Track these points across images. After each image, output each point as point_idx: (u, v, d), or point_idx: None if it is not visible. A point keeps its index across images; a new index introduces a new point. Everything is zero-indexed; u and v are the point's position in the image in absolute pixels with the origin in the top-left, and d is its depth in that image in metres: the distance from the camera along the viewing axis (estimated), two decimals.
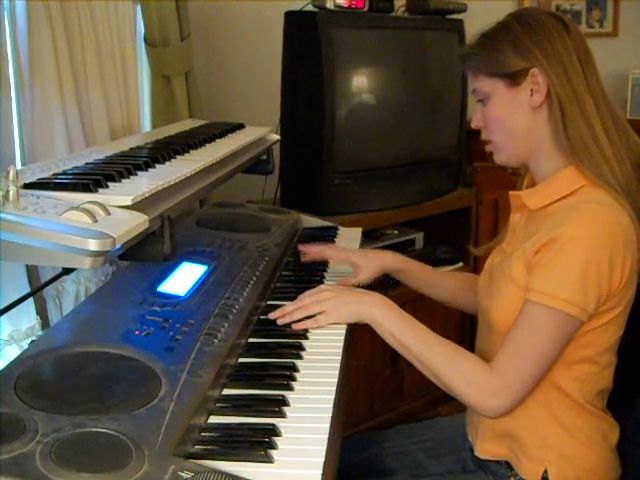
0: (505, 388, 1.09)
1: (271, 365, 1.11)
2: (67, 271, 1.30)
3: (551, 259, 1.07)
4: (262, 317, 1.28)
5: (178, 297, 1.19)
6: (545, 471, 1.16)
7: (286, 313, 1.24)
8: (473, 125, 1.24)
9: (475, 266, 2.61)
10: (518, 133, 1.18)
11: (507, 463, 1.21)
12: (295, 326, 1.22)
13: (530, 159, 1.20)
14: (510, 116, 1.18)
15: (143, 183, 1.07)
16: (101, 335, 1.04)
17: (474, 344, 1.31)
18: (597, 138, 1.12)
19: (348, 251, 1.52)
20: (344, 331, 1.22)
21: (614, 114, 1.15)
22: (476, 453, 1.26)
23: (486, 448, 1.24)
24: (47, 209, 0.88)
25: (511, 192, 1.26)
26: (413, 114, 2.34)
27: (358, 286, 1.38)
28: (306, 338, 1.19)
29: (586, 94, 1.13)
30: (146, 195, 1.00)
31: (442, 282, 1.50)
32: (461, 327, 2.65)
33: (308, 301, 1.24)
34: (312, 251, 1.52)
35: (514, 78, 1.15)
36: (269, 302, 1.34)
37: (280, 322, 1.23)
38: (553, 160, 1.17)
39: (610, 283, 1.08)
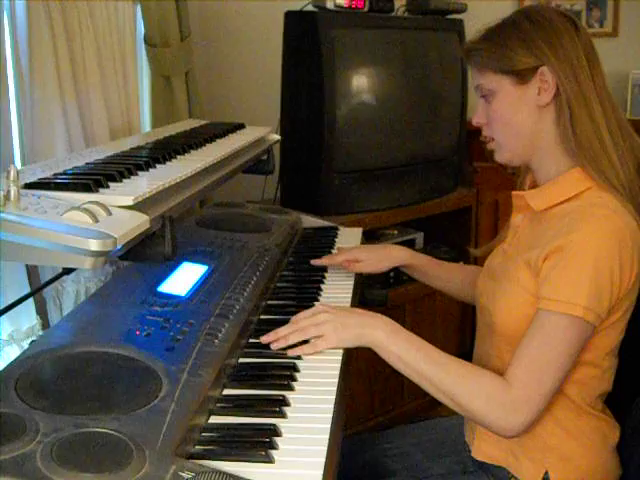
0: (527, 402, 1.04)
1: (272, 365, 1.10)
2: (67, 271, 1.30)
3: (564, 267, 1.05)
4: (263, 317, 1.28)
5: (179, 297, 1.19)
6: (546, 472, 1.15)
7: (280, 337, 1.15)
8: (474, 122, 1.22)
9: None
10: (523, 132, 1.16)
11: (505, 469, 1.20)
12: (291, 352, 1.13)
13: (533, 159, 1.19)
14: (516, 114, 1.15)
15: (144, 183, 1.07)
16: (101, 335, 1.04)
17: (474, 345, 1.30)
18: (602, 140, 1.11)
19: (354, 250, 1.53)
20: None
21: (618, 116, 1.14)
22: (473, 454, 1.25)
23: (484, 449, 1.23)
24: (48, 209, 0.88)
25: (514, 192, 1.24)
26: (413, 114, 2.34)
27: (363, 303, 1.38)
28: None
29: (593, 95, 1.11)
30: (147, 195, 1.00)
31: (450, 276, 1.51)
32: (461, 328, 2.65)
33: (304, 323, 1.15)
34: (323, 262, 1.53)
35: (522, 76, 1.13)
36: (269, 302, 1.34)
37: (274, 347, 1.14)
38: (557, 161, 1.16)
39: (620, 287, 1.07)
